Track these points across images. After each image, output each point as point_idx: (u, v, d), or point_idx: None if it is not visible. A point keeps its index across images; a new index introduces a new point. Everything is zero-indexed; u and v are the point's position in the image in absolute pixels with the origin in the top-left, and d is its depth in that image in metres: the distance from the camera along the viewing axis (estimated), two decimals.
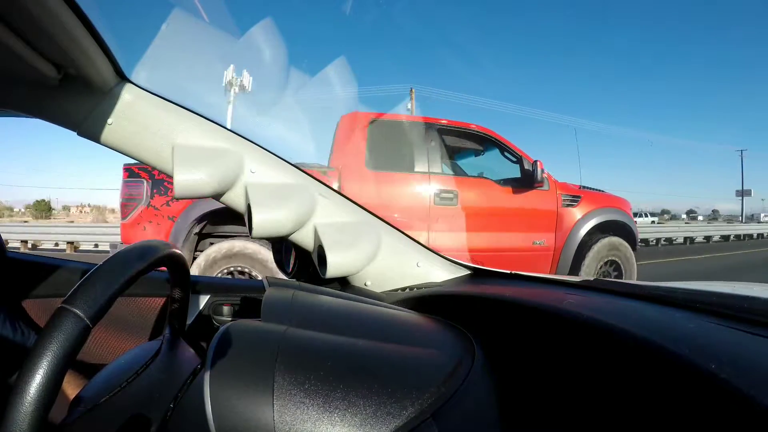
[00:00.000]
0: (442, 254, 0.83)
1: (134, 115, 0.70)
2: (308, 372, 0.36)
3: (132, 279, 0.37)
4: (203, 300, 0.87)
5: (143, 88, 0.71)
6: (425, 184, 3.34)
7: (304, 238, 0.76)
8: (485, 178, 3.69)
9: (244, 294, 0.88)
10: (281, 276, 0.88)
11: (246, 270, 2.84)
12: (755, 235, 18.35)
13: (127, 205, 3.02)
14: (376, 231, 0.78)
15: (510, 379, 0.43)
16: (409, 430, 0.34)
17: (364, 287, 0.78)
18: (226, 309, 0.86)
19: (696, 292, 0.51)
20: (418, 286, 0.78)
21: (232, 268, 2.84)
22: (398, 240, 0.80)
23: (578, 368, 0.40)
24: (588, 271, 3.66)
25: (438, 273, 0.80)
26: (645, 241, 14.52)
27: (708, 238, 16.24)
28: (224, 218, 3.13)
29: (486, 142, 3.77)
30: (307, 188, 0.76)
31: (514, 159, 3.67)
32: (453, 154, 3.92)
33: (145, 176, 2.98)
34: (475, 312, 0.57)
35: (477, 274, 0.81)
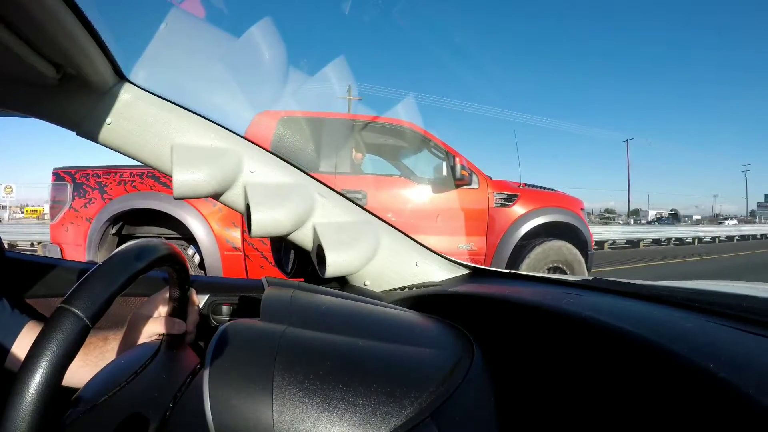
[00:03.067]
0: (441, 254, 0.83)
1: (133, 114, 0.70)
2: (307, 371, 0.36)
3: (131, 278, 0.37)
4: (202, 299, 0.87)
5: (142, 88, 0.71)
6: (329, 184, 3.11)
7: (303, 238, 0.76)
8: (403, 176, 3.42)
9: (243, 293, 0.88)
10: None
11: None
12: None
13: (54, 207, 3.11)
14: (375, 230, 0.78)
15: (509, 379, 0.43)
16: (408, 430, 0.34)
17: (364, 287, 0.78)
18: (225, 308, 0.86)
19: (695, 291, 0.51)
20: (417, 286, 0.79)
21: None
22: (397, 239, 0.80)
23: (577, 368, 0.40)
24: None
25: (437, 272, 0.80)
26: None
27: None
28: (141, 220, 3.15)
29: (411, 138, 3.50)
30: (306, 188, 0.76)
31: (441, 156, 3.39)
32: (372, 152, 3.64)
33: (68, 180, 3.05)
34: (474, 311, 0.57)
35: (476, 274, 0.81)
